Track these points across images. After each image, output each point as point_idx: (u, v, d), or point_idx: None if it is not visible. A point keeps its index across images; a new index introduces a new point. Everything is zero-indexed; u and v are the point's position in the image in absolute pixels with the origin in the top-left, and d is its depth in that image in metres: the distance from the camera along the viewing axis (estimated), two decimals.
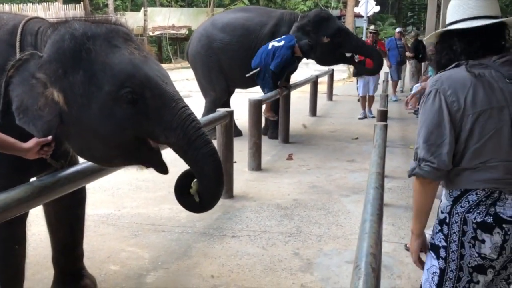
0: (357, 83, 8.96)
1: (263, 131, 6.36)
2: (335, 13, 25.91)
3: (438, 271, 1.63)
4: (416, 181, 1.62)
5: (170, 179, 5.07)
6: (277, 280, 2.75)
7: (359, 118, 8.29)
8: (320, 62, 6.66)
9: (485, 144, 1.53)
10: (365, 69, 7.39)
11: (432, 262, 1.66)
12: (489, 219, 1.53)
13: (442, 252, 1.61)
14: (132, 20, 20.91)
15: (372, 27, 9.93)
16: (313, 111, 8.80)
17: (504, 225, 1.52)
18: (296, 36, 5.93)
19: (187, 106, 1.90)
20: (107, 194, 4.25)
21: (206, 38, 6.47)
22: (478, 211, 1.54)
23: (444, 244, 1.60)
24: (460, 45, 1.61)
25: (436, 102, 1.55)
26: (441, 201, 1.68)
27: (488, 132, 1.53)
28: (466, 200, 1.56)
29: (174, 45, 23.91)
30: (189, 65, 7.20)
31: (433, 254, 1.65)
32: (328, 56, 6.43)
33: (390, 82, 11.05)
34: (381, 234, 1.80)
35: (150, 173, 5.34)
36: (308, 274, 2.82)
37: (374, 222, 1.74)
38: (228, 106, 6.50)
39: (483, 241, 1.54)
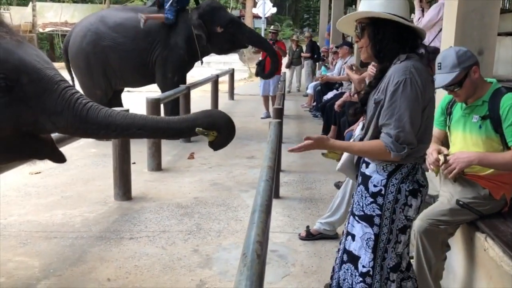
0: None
1: None
2: (235, 13, 26.26)
3: (372, 236, 1.85)
4: (393, 155, 1.74)
5: (63, 183, 4.78)
6: (176, 278, 2.76)
7: (262, 118, 8.45)
8: (218, 51, 6.76)
9: (425, 129, 1.81)
10: (262, 74, 7.62)
11: (365, 230, 1.87)
12: (416, 186, 1.83)
13: (377, 220, 1.84)
14: (19, 15, 19.42)
15: (272, 26, 10.28)
16: None
17: (421, 189, 1.85)
18: (193, 25, 6.22)
19: (70, 85, 1.79)
20: None
21: (94, 35, 6.22)
22: (409, 181, 1.82)
23: (379, 212, 1.83)
24: (409, 39, 1.80)
25: (414, 90, 1.71)
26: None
27: (428, 118, 1.80)
28: (400, 173, 1.82)
29: None
30: None
31: (365, 223, 1.87)
32: (224, 44, 6.58)
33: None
34: (269, 223, 1.89)
35: (41, 178, 5.02)
36: (207, 269, 2.87)
37: (262, 212, 1.83)
38: (121, 105, 6.36)
39: (410, 206, 1.83)
